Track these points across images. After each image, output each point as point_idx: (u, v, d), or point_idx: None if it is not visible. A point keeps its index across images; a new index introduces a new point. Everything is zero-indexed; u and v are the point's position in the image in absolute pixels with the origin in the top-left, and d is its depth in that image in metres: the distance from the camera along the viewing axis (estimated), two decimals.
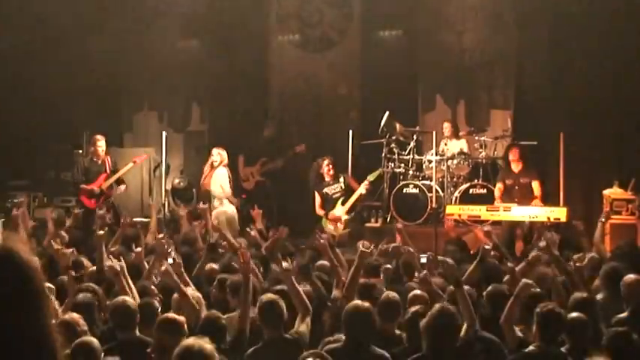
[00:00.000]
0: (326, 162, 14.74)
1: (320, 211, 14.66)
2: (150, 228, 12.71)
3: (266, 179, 16.08)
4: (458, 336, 6.53)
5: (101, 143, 14.72)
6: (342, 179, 14.74)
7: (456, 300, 6.97)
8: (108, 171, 14.65)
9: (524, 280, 7.27)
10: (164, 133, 16.08)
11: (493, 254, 9.85)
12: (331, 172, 14.71)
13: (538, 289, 7.71)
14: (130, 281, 8.11)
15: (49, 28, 16.60)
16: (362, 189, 14.47)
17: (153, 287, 8.16)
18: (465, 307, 6.82)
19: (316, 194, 14.80)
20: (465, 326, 6.71)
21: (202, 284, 8.98)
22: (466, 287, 7.45)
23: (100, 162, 14.69)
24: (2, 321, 2.22)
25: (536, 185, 13.99)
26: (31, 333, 2.26)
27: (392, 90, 16.48)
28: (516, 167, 14.14)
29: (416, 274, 9.03)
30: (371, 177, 14.59)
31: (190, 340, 5.58)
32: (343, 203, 14.52)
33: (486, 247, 9.69)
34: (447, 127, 15.70)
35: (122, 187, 14.70)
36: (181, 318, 6.59)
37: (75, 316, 6.61)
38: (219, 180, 14.14)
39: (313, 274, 8.89)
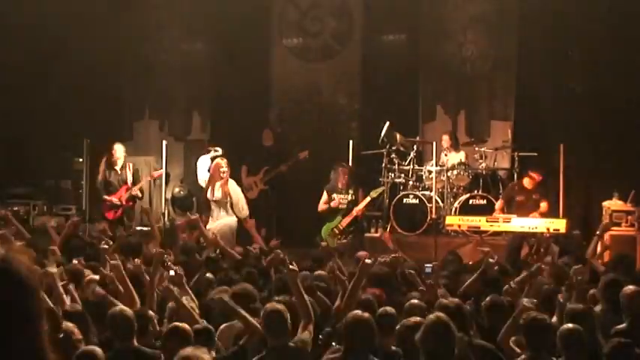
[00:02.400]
0: (343, 171, 14.65)
1: (323, 206, 14.62)
2: (153, 236, 12.71)
3: (269, 188, 16.07)
4: (454, 345, 6.51)
5: (119, 152, 14.83)
6: (351, 191, 14.67)
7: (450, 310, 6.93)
8: (129, 183, 14.72)
9: (524, 304, 7.27)
10: (164, 142, 16.09)
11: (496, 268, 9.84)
12: (344, 180, 14.63)
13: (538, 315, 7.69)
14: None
15: (50, 35, 16.62)
16: (360, 206, 14.44)
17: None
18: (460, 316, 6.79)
19: (325, 193, 14.74)
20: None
21: (200, 295, 8.98)
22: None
23: (120, 171, 14.79)
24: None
25: (544, 205, 13.80)
26: (25, 349, 2.26)
27: (392, 100, 16.50)
28: (529, 184, 13.88)
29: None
30: (373, 193, 14.60)
31: (188, 350, 5.59)
32: (344, 216, 14.50)
33: (490, 260, 9.71)
34: (445, 140, 15.70)
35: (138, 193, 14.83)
36: (188, 327, 6.62)
37: (69, 325, 6.60)
38: (238, 193, 14.05)
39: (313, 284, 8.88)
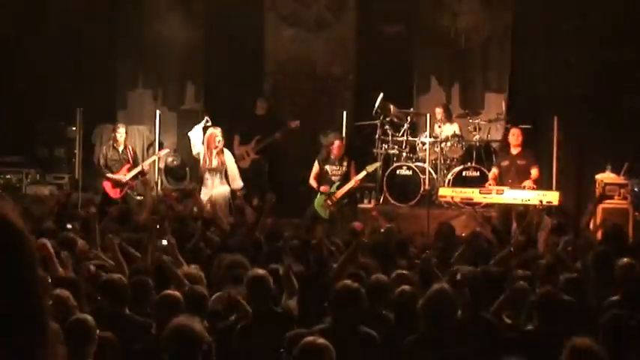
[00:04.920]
0: (336, 143, 14.61)
1: (313, 182, 14.59)
2: (146, 205, 12.74)
3: (261, 157, 16.06)
4: (455, 316, 6.55)
5: (121, 132, 14.93)
6: (345, 163, 14.63)
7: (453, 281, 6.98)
8: (131, 161, 14.80)
9: (520, 283, 7.32)
10: (158, 112, 16.05)
11: (488, 239, 9.85)
12: (336, 151, 14.59)
13: (525, 285, 7.73)
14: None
15: (44, 4, 16.54)
16: (356, 179, 14.43)
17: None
18: (459, 288, 6.82)
19: (316, 164, 14.69)
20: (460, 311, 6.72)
21: (196, 261, 8.99)
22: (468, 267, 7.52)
23: (121, 151, 14.85)
24: None
25: (534, 172, 13.86)
26: (23, 304, 2.25)
27: (386, 72, 16.46)
28: (515, 149, 14.04)
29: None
30: (370, 168, 14.56)
31: (180, 319, 5.60)
32: (338, 188, 14.48)
33: (478, 229, 9.75)
34: (439, 113, 15.68)
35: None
36: (179, 295, 6.63)
37: (64, 292, 6.60)
38: (232, 165, 14.08)
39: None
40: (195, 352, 5.50)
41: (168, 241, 8.65)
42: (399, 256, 9.30)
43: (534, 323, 6.65)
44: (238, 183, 13.99)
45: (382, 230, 10.16)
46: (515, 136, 14.01)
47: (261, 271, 7.15)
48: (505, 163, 14.07)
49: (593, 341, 5.46)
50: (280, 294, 7.17)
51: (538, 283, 7.66)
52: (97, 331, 5.90)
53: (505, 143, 14.48)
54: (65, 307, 6.29)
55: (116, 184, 14.66)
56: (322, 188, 14.41)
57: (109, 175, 14.67)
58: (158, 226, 9.39)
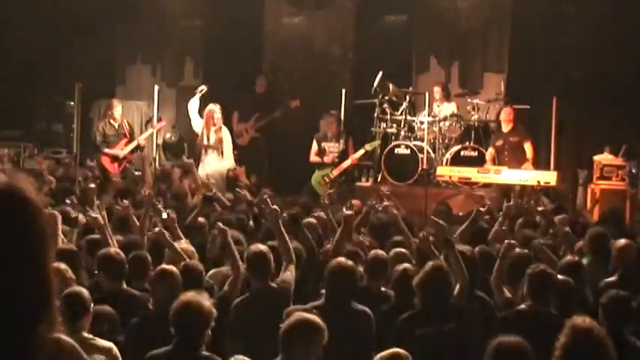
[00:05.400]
0: (331, 120, 14.65)
1: (314, 158, 14.67)
2: (145, 180, 12.76)
3: (259, 135, 16.05)
4: (451, 294, 6.57)
5: (118, 108, 15.09)
6: (342, 140, 14.68)
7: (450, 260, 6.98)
8: (128, 136, 14.87)
9: (507, 241, 7.33)
10: (156, 87, 16.04)
11: (486, 218, 9.86)
12: (333, 130, 14.63)
13: (525, 251, 7.76)
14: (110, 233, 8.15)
15: None
16: (354, 157, 14.48)
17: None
18: (457, 267, 6.83)
19: (314, 142, 14.78)
20: (458, 286, 6.73)
21: (193, 235, 9.01)
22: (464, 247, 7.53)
23: (117, 126, 14.95)
24: (6, 258, 2.21)
25: (528, 147, 13.96)
26: (33, 272, 2.26)
27: (386, 51, 16.44)
28: (506, 127, 14.13)
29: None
30: (368, 147, 14.60)
31: (189, 296, 5.62)
32: (336, 165, 14.50)
33: (481, 209, 9.76)
34: (437, 91, 15.65)
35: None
36: (176, 270, 6.63)
37: (62, 265, 6.61)
38: (229, 143, 14.13)
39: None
40: (204, 328, 5.53)
41: (168, 215, 8.68)
42: (398, 235, 9.29)
43: (527, 302, 6.67)
44: (230, 162, 14.05)
45: (380, 208, 10.13)
46: (506, 114, 14.11)
47: (261, 247, 7.15)
48: (499, 142, 14.15)
49: (592, 321, 5.48)
50: (278, 270, 7.18)
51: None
52: (92, 304, 5.92)
53: (498, 123, 14.51)
54: (63, 280, 6.30)
55: (114, 159, 14.74)
56: (326, 159, 14.47)
57: (106, 150, 14.77)
58: (156, 202, 9.38)
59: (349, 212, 8.46)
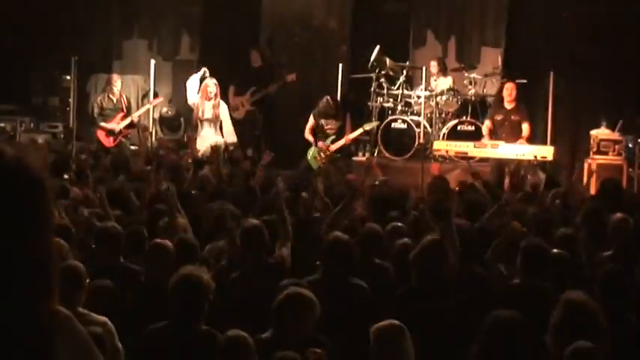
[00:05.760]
0: (331, 100, 14.64)
1: (309, 136, 14.63)
2: (141, 154, 12.78)
3: (256, 109, 16.02)
4: (446, 268, 6.57)
5: (117, 83, 15.21)
6: (340, 117, 14.67)
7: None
8: (125, 110, 14.92)
9: (514, 223, 7.33)
10: (153, 61, 16.01)
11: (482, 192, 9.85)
12: (332, 110, 14.60)
13: (524, 229, 7.77)
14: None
15: None
16: (352, 136, 14.48)
17: None
18: (450, 238, 6.82)
19: (311, 118, 14.74)
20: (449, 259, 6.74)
21: (188, 207, 9.00)
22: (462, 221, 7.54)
23: (116, 100, 15.02)
24: (9, 232, 2.22)
25: (526, 127, 13.93)
26: (37, 245, 2.27)
27: (383, 25, 16.40)
28: (509, 104, 14.07)
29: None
30: (367, 126, 14.64)
31: (188, 269, 5.63)
32: (332, 142, 14.49)
33: (470, 181, 9.75)
34: (434, 66, 15.61)
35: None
36: (170, 244, 6.64)
37: (59, 240, 6.60)
38: (227, 119, 14.13)
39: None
40: (203, 302, 5.54)
41: (168, 189, 8.68)
42: (394, 209, 9.29)
43: (521, 276, 6.69)
44: (233, 137, 14.04)
45: (377, 182, 10.14)
46: (509, 91, 14.04)
47: (255, 222, 7.15)
48: (499, 117, 14.11)
49: (586, 295, 5.50)
50: (274, 245, 7.18)
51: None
52: (87, 278, 5.93)
53: (499, 97, 14.47)
54: (60, 255, 6.30)
55: (109, 133, 14.76)
56: (319, 144, 14.46)
57: (102, 124, 14.83)
58: (154, 176, 9.40)
59: (353, 186, 8.49)
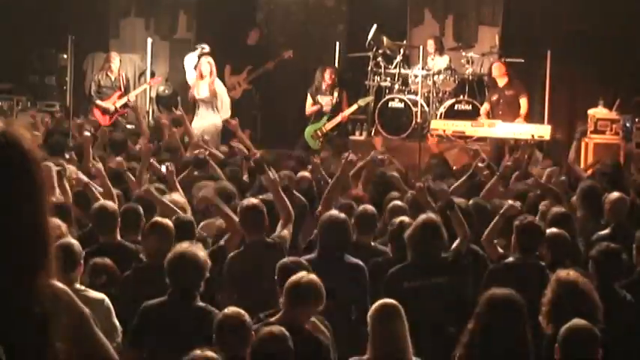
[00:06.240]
0: (328, 71, 14.61)
1: (311, 109, 14.62)
2: (142, 132, 12.77)
3: (252, 88, 15.99)
4: (442, 246, 6.58)
5: (116, 61, 15.22)
6: (336, 94, 14.62)
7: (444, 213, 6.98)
8: (122, 89, 14.94)
9: (510, 202, 7.33)
10: (150, 40, 15.97)
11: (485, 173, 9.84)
12: (328, 82, 14.58)
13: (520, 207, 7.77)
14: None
15: None
16: (347, 112, 14.46)
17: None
18: (459, 224, 6.84)
19: (309, 97, 14.72)
20: (458, 239, 6.75)
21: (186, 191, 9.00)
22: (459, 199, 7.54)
23: (114, 78, 15.05)
24: (5, 205, 2.23)
25: (523, 102, 13.93)
26: (32, 219, 2.27)
27: (380, 3, 16.36)
28: (501, 82, 14.09)
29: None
30: (361, 102, 14.61)
31: (184, 246, 5.65)
32: (329, 119, 14.49)
33: (480, 164, 9.74)
34: (431, 44, 15.56)
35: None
36: (169, 222, 6.65)
37: (56, 220, 6.60)
38: (224, 95, 14.10)
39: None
40: (199, 279, 5.58)
41: (167, 168, 8.70)
42: (394, 188, 9.29)
43: (516, 254, 6.71)
44: (227, 114, 14.00)
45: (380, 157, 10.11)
46: (497, 69, 14.07)
47: (254, 201, 7.16)
48: (494, 97, 14.13)
49: (579, 273, 5.52)
50: (273, 224, 7.19)
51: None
52: (82, 255, 5.95)
53: (492, 79, 14.47)
54: (57, 234, 6.31)
55: (105, 111, 14.76)
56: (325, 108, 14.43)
57: (98, 102, 14.83)
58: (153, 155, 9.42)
59: (347, 159, 8.49)
